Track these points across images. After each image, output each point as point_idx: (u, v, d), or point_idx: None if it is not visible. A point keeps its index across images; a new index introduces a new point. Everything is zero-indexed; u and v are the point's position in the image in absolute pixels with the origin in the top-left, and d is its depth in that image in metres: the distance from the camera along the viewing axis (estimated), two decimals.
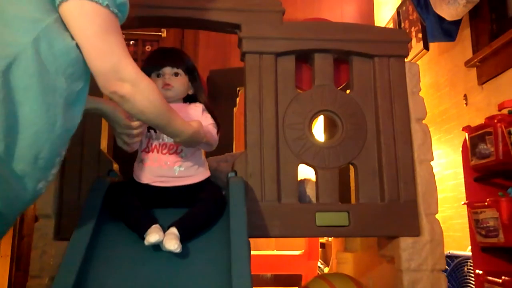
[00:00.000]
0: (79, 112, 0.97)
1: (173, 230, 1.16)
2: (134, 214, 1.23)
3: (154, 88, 1.02)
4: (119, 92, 0.94)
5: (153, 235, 1.13)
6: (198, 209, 1.27)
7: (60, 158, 0.96)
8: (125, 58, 0.95)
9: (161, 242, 1.13)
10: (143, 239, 1.15)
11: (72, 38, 0.91)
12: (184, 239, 1.17)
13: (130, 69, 0.95)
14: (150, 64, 1.43)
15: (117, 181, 1.39)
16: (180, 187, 1.33)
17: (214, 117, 1.43)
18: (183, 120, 1.18)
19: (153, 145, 1.36)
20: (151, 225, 1.17)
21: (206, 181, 1.38)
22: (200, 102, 1.44)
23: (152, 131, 1.36)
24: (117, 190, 1.30)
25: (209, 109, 1.44)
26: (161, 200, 1.32)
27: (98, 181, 1.36)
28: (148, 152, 1.36)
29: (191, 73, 1.45)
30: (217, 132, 1.41)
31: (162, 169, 1.33)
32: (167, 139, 1.34)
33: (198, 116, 1.38)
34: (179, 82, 1.40)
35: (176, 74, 1.41)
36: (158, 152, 1.35)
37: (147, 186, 1.32)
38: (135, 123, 1.25)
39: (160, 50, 1.54)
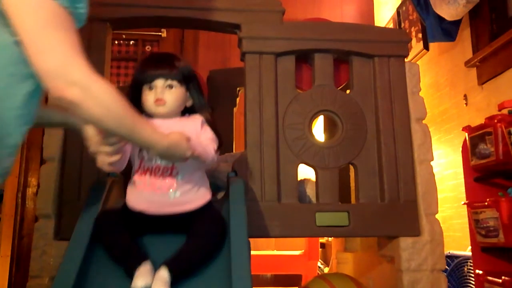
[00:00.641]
0: (27, 121, 0.86)
1: (163, 274, 1.04)
2: (122, 251, 1.13)
3: (110, 92, 0.88)
4: (66, 96, 0.82)
5: (140, 279, 1.03)
6: (194, 244, 1.13)
7: (7, 171, 0.87)
8: (73, 57, 0.83)
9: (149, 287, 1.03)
10: (132, 276, 1.06)
11: (12, 34, 0.82)
12: (176, 280, 1.06)
13: (79, 70, 0.83)
14: (141, 75, 1.25)
15: (107, 210, 1.26)
16: (176, 214, 1.19)
17: (215, 130, 1.26)
18: (154, 130, 1.04)
19: (146, 167, 1.20)
20: (140, 264, 1.07)
21: (206, 206, 1.23)
22: (200, 114, 1.27)
23: (144, 151, 1.20)
24: (104, 222, 1.18)
25: (210, 121, 1.27)
26: (156, 228, 1.21)
27: (98, 181, 1.36)
28: (141, 174, 1.21)
29: (189, 82, 1.27)
30: (218, 148, 1.25)
31: (155, 194, 1.18)
32: (160, 161, 1.19)
33: (197, 130, 1.23)
34: (173, 96, 1.22)
35: (171, 86, 1.22)
36: (151, 175, 1.19)
37: (140, 213, 1.19)
38: (111, 139, 1.08)
39: (151, 59, 1.32)
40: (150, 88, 1.22)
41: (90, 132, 1.10)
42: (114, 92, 0.89)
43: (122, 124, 0.93)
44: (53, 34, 0.82)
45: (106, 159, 1.11)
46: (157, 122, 1.18)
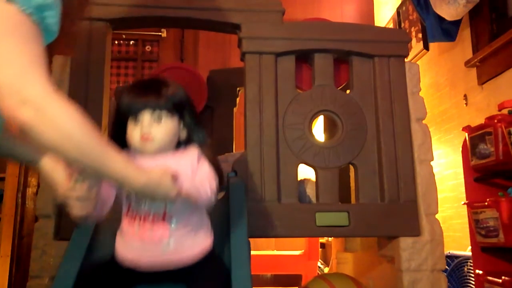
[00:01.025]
0: None
1: None
2: None
3: (70, 114, 0.74)
4: (18, 117, 0.70)
5: None
6: None
7: None
8: (30, 72, 0.71)
9: None
10: None
11: None
12: None
13: (34, 86, 0.70)
14: (124, 106, 1.07)
15: (93, 264, 1.11)
16: (170, 268, 1.04)
17: (215, 164, 1.09)
18: (129, 163, 0.88)
19: (134, 213, 1.04)
20: None
21: (207, 257, 1.07)
22: (198, 146, 1.10)
23: (132, 194, 1.04)
24: (89, 281, 1.04)
25: (209, 154, 1.10)
26: (150, 281, 1.07)
27: None
28: (130, 221, 1.05)
29: (182, 110, 1.09)
30: (220, 184, 1.08)
31: (145, 245, 1.02)
32: (150, 205, 1.03)
33: (193, 166, 1.05)
34: (162, 131, 1.05)
35: (159, 118, 1.05)
36: (140, 222, 1.03)
37: (130, 268, 1.04)
38: (80, 186, 0.91)
39: (136, 86, 1.12)
40: (136, 121, 1.05)
41: (58, 176, 0.94)
42: (76, 114, 0.75)
43: (85, 154, 0.78)
44: (9, 44, 0.71)
45: (80, 206, 0.94)
46: (146, 159, 1.03)
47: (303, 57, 1.65)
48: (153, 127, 1.04)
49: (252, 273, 1.07)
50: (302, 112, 1.56)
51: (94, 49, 1.49)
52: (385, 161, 1.54)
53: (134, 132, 1.05)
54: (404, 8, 3.52)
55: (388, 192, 1.52)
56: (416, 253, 1.49)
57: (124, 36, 4.08)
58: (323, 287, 1.67)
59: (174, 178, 0.94)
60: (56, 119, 0.73)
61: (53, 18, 0.77)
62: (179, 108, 1.08)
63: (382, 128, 1.57)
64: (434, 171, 1.58)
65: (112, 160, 0.84)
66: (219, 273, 1.06)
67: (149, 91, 1.07)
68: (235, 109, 2.31)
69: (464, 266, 2.17)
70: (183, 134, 1.10)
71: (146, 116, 1.04)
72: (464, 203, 2.05)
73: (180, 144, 1.10)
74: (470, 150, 2.00)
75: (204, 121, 2.19)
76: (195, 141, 1.10)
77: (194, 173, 1.04)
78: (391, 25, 3.74)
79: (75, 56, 1.48)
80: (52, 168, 0.95)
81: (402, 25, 3.52)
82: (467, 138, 2.03)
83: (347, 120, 1.58)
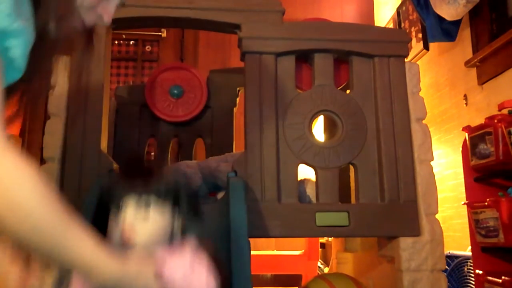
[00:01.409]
0: None
1: None
2: None
3: (22, 176, 0.57)
4: None
5: None
6: None
7: None
8: None
9: None
10: None
11: None
12: None
13: None
14: (106, 190, 0.92)
15: None
16: None
17: (216, 261, 0.85)
18: (100, 247, 0.67)
19: None
20: None
21: None
22: (195, 237, 0.85)
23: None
24: None
25: (207, 247, 0.84)
26: None
27: (98, 181, 1.36)
28: None
29: (176, 195, 0.89)
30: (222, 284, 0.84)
31: None
32: None
33: (186, 264, 0.80)
34: (148, 228, 0.85)
35: (147, 208, 0.85)
36: None
37: None
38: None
39: (123, 166, 0.97)
40: (118, 210, 0.86)
41: (10, 281, 0.75)
42: (31, 176, 0.57)
43: (39, 230, 0.58)
44: None
45: None
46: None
47: (303, 57, 1.65)
48: (137, 222, 0.85)
49: (252, 273, 1.07)
50: (302, 112, 1.56)
51: (94, 49, 1.49)
52: (385, 161, 1.54)
53: (114, 227, 0.86)
54: (404, 8, 3.52)
55: (388, 192, 1.52)
56: (416, 253, 1.49)
57: (124, 36, 4.07)
58: (323, 287, 1.67)
59: (158, 274, 0.75)
60: (1, 181, 0.55)
61: (18, 48, 0.59)
62: (172, 195, 0.89)
63: (382, 128, 1.57)
64: (434, 171, 1.58)
65: (77, 240, 0.63)
66: None
67: (136, 174, 0.89)
68: (235, 109, 2.31)
69: (464, 266, 2.17)
70: (178, 224, 0.89)
71: (130, 206, 0.85)
72: (464, 203, 2.05)
73: (174, 235, 0.89)
74: (470, 150, 2.00)
75: (204, 121, 2.20)
76: (193, 233, 0.89)
77: (188, 273, 0.80)
78: (391, 25, 3.74)
79: (75, 56, 1.48)
80: (4, 270, 0.74)
81: (402, 25, 3.52)
82: (467, 138, 2.03)
83: (347, 120, 1.58)
